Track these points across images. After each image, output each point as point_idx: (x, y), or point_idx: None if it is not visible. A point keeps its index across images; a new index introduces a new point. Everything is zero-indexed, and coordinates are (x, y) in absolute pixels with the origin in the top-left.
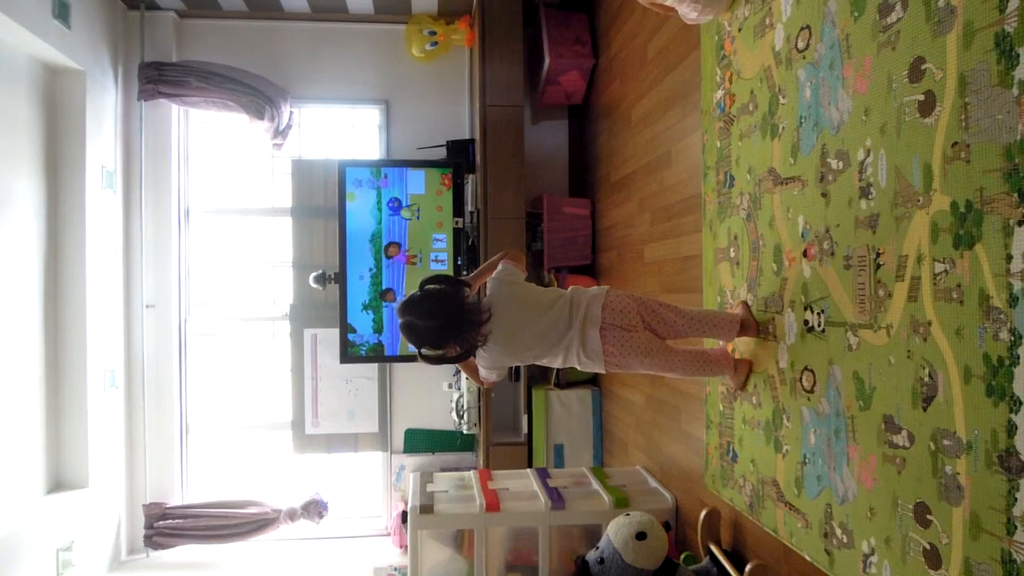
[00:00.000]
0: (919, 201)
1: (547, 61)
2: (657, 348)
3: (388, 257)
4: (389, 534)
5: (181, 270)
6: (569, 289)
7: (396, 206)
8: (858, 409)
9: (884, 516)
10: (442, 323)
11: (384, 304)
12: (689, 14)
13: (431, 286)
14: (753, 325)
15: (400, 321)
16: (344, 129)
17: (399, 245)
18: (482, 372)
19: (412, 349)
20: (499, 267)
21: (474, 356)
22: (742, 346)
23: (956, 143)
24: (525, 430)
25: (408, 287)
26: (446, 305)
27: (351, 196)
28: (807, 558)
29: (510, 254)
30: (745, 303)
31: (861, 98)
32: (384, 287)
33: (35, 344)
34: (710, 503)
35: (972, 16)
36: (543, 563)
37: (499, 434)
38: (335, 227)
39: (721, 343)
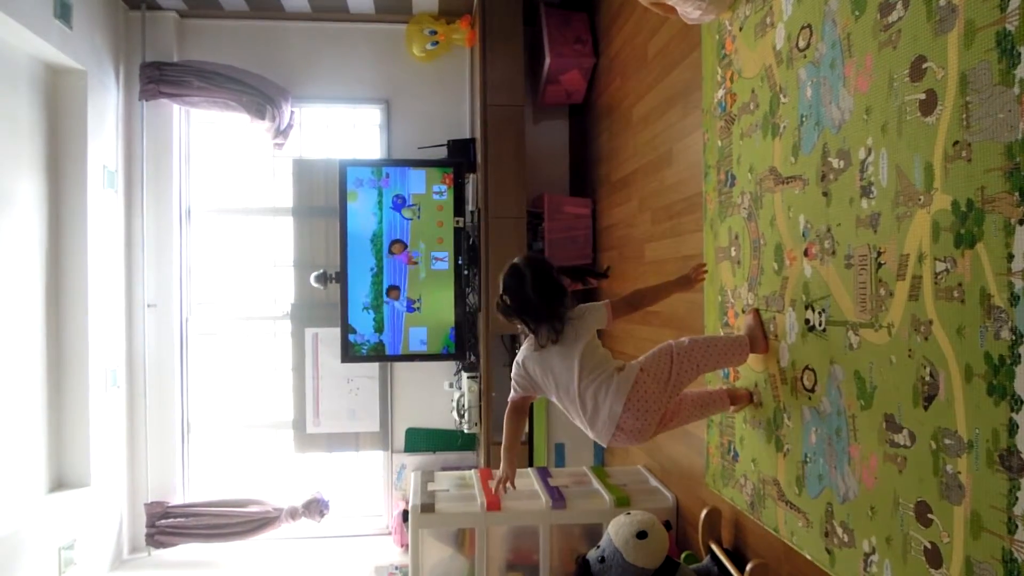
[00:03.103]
0: (920, 200)
1: (547, 60)
2: (664, 423)
3: (392, 255)
4: (390, 533)
5: (182, 269)
6: (616, 371)
7: (400, 203)
8: (859, 408)
9: (885, 515)
10: (539, 302)
11: (387, 301)
12: (691, 13)
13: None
14: (762, 340)
15: (506, 283)
16: (345, 129)
17: (403, 243)
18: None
19: (413, 349)
20: (597, 304)
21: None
22: (751, 362)
23: (957, 142)
24: (526, 429)
25: (410, 286)
26: (548, 284)
27: (352, 196)
28: (808, 557)
29: (613, 301)
30: (757, 312)
31: (862, 97)
32: (389, 284)
33: (37, 343)
34: (711, 502)
35: (973, 15)
36: (544, 562)
37: (500, 433)
38: (336, 227)
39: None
